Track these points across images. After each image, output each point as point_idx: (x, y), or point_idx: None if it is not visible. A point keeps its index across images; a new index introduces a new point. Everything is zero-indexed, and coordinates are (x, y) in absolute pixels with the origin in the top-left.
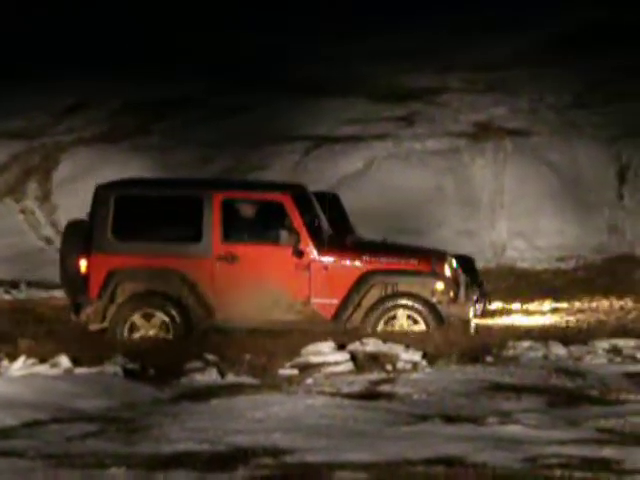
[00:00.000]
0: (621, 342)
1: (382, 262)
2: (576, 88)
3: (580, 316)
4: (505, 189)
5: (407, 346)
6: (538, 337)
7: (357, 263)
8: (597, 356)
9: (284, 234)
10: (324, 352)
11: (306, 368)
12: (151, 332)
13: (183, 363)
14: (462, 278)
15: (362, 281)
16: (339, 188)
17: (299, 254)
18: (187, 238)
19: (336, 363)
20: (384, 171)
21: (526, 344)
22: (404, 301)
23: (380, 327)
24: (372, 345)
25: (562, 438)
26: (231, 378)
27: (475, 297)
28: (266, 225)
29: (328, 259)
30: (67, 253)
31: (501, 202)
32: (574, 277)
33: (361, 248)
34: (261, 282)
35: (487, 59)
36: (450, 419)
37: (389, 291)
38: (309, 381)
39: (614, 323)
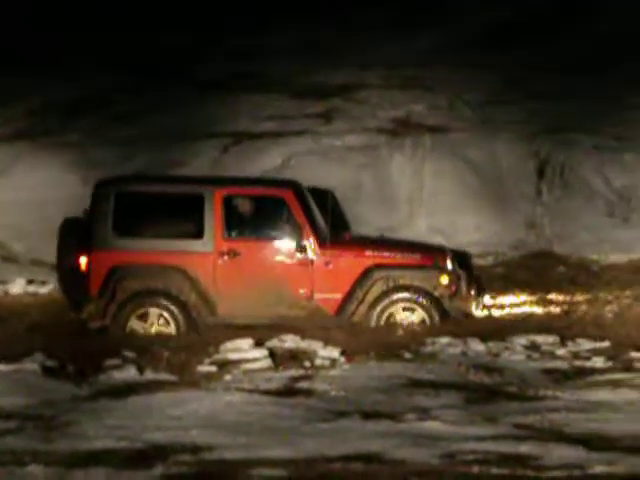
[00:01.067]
0: (539, 338)
1: (385, 257)
2: (495, 85)
3: (499, 312)
4: (424, 185)
5: (325, 343)
6: (456, 333)
7: (360, 258)
8: (515, 352)
9: (287, 229)
10: (243, 349)
11: (225, 365)
12: (153, 329)
13: (102, 360)
14: (462, 272)
15: (366, 276)
16: None
17: (302, 249)
18: (189, 235)
19: (254, 360)
20: (303, 167)
21: (444, 340)
22: (408, 295)
23: (383, 321)
24: (290, 341)
25: (480, 434)
26: (150, 375)
27: (473, 291)
28: (268, 221)
29: (331, 254)
30: (64, 250)
31: (420, 198)
32: (493, 273)
33: (363, 243)
34: (264, 278)
35: (406, 55)
36: (368, 415)
37: (392, 285)
38: (228, 378)
39: (533, 319)
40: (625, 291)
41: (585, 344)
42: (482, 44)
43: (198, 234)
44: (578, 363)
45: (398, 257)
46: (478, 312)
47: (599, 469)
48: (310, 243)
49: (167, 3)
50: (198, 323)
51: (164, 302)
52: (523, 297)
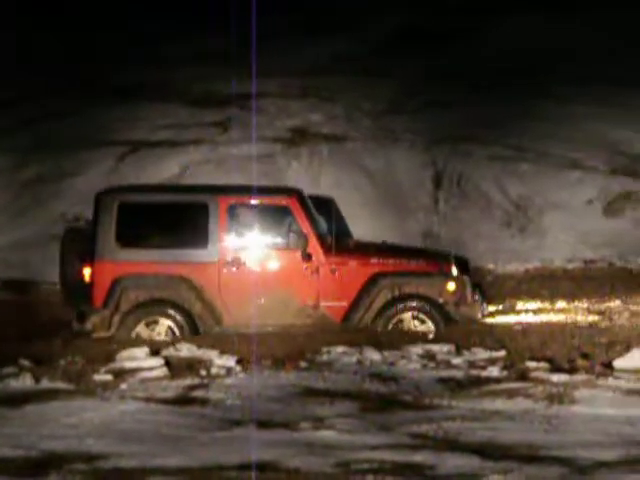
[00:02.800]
0: (435, 347)
1: (391, 264)
2: (392, 94)
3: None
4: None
5: (221, 351)
6: (352, 342)
7: (366, 265)
8: (411, 361)
9: (292, 238)
10: (138, 357)
11: (121, 373)
12: (159, 339)
13: None
14: (466, 278)
15: (372, 283)
16: None
17: (307, 257)
18: (193, 244)
19: (150, 368)
20: (200, 176)
21: (340, 349)
22: (415, 303)
23: (390, 328)
24: (186, 350)
25: (375, 443)
26: (46, 383)
27: (478, 297)
28: (273, 229)
29: (336, 262)
30: (68, 261)
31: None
32: None
33: (368, 250)
34: (269, 287)
35: (304, 64)
36: (263, 424)
37: (399, 292)
38: (123, 387)
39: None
40: (520, 301)
41: (481, 353)
42: (381, 53)
43: (203, 243)
44: (474, 372)
45: (404, 264)
46: (483, 318)
47: (493, 478)
48: (315, 251)
49: (74, 6)
50: (203, 333)
51: (170, 311)
52: None
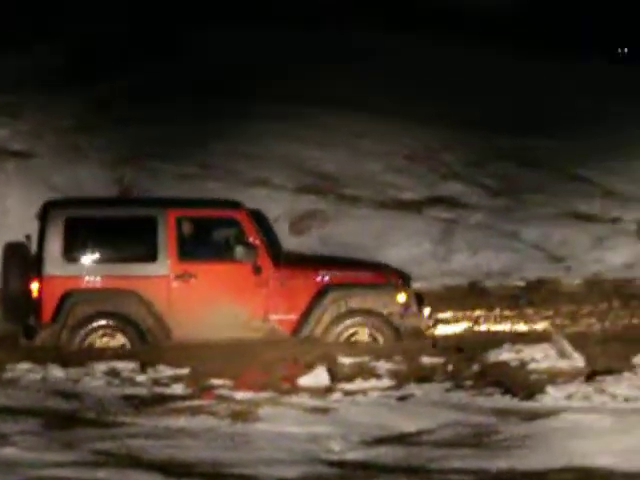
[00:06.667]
0: (120, 365)
1: (339, 276)
2: (79, 112)
3: None
4: (10, 211)
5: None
6: (37, 359)
7: (315, 278)
8: (95, 378)
9: (241, 251)
10: None
11: None
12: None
13: None
14: (410, 290)
15: (321, 296)
16: None
17: (258, 270)
18: (142, 258)
19: None
20: None
21: (25, 366)
22: (364, 316)
23: (344, 339)
24: None
25: (59, 460)
26: None
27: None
28: (222, 242)
29: (286, 274)
30: (10, 276)
31: (6, 225)
32: None
33: (317, 262)
34: (219, 300)
35: None
36: None
37: (349, 305)
38: None
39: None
40: None
41: (165, 371)
42: (70, 70)
43: (152, 257)
44: (158, 390)
45: (352, 276)
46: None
47: None
48: (265, 264)
49: None
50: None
51: (120, 326)
52: None
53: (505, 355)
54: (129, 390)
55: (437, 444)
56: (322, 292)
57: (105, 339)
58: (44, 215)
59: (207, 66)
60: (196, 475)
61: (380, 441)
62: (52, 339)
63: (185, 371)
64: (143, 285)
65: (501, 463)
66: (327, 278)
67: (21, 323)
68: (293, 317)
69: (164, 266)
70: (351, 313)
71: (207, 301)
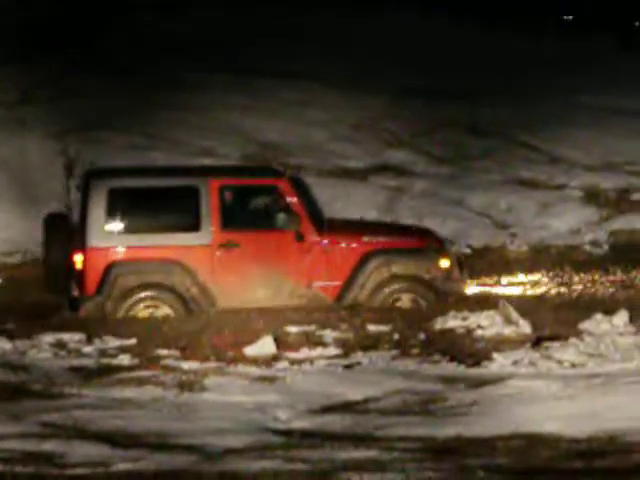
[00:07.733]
0: (66, 336)
1: (382, 242)
2: (24, 85)
3: None
4: None
5: None
6: None
7: (357, 244)
8: (42, 350)
9: (285, 218)
10: None
11: None
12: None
13: None
14: (452, 253)
15: (364, 262)
16: None
17: (300, 238)
18: (186, 227)
19: None
20: None
21: None
22: (408, 281)
23: (389, 304)
24: None
25: (5, 432)
26: None
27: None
28: (265, 210)
29: (329, 241)
30: (52, 248)
31: None
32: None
33: (359, 229)
34: (262, 268)
35: None
36: None
37: (392, 271)
38: None
39: None
40: None
41: (112, 342)
42: (12, 42)
43: (195, 226)
44: (104, 361)
45: (395, 241)
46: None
47: (123, 466)
48: (308, 231)
49: None
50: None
51: (164, 295)
52: None
53: (451, 322)
54: (76, 361)
55: (384, 412)
56: (365, 258)
57: (150, 310)
58: (86, 186)
59: (156, 35)
60: (143, 445)
61: (327, 409)
62: (96, 311)
63: (132, 342)
64: (187, 255)
65: (448, 430)
66: (370, 244)
67: (63, 294)
68: (337, 284)
69: (207, 235)
70: (394, 279)
71: (250, 269)
